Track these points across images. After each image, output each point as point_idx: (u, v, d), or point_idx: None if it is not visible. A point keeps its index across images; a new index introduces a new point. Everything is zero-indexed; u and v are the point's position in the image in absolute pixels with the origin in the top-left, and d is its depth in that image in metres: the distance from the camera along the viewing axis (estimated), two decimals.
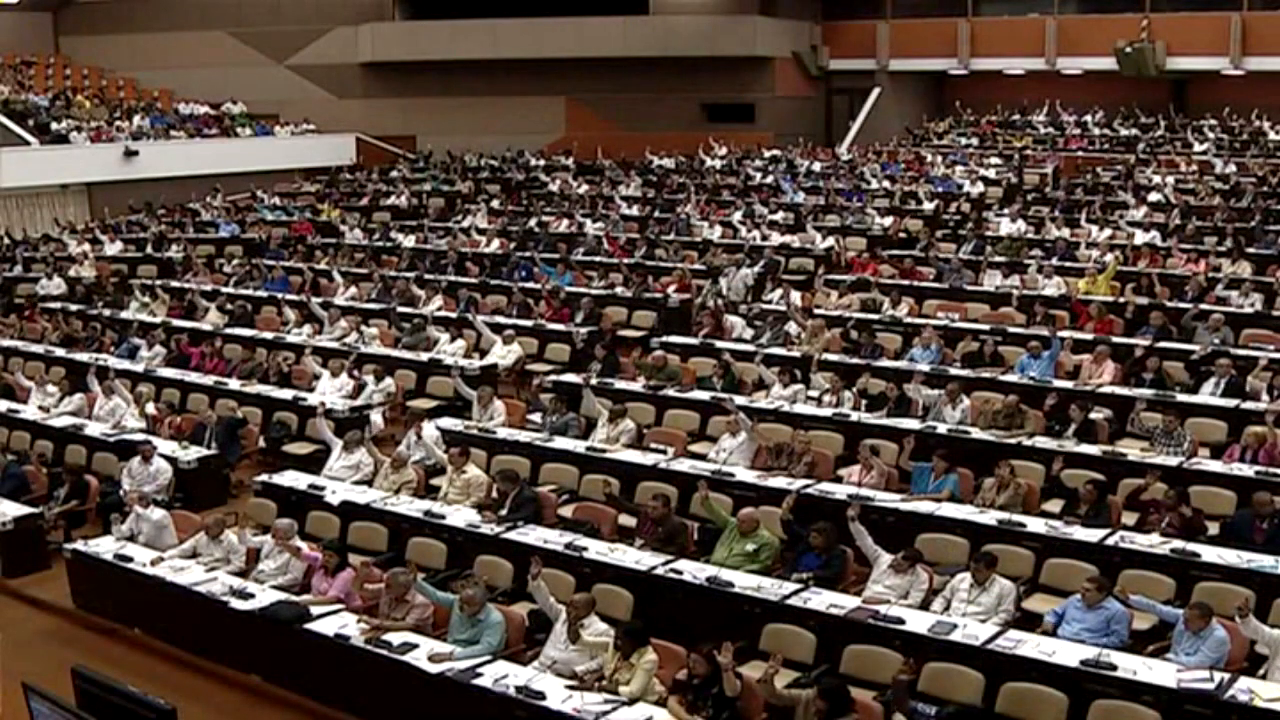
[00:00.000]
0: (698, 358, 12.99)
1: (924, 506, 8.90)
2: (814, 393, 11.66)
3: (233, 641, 8.00)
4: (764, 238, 18.48)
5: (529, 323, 14.66)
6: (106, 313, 16.69)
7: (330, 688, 7.51)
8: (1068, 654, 6.71)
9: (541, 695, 6.61)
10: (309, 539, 8.97)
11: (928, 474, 9.31)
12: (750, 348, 13.26)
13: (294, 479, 10.14)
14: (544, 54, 27.55)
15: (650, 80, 27.55)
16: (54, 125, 25.23)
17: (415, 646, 7.21)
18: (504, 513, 9.10)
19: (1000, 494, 8.93)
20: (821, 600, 7.51)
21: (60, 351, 14.86)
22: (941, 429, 10.46)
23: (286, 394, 12.54)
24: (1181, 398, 10.87)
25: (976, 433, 10.35)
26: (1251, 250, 15.87)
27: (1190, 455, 9.65)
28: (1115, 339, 12.46)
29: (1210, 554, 7.84)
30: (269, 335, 14.96)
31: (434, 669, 6.99)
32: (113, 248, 21.01)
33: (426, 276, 17.17)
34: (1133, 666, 6.54)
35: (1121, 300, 14.01)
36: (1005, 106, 27.82)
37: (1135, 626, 7.28)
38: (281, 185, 26.39)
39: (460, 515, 9.15)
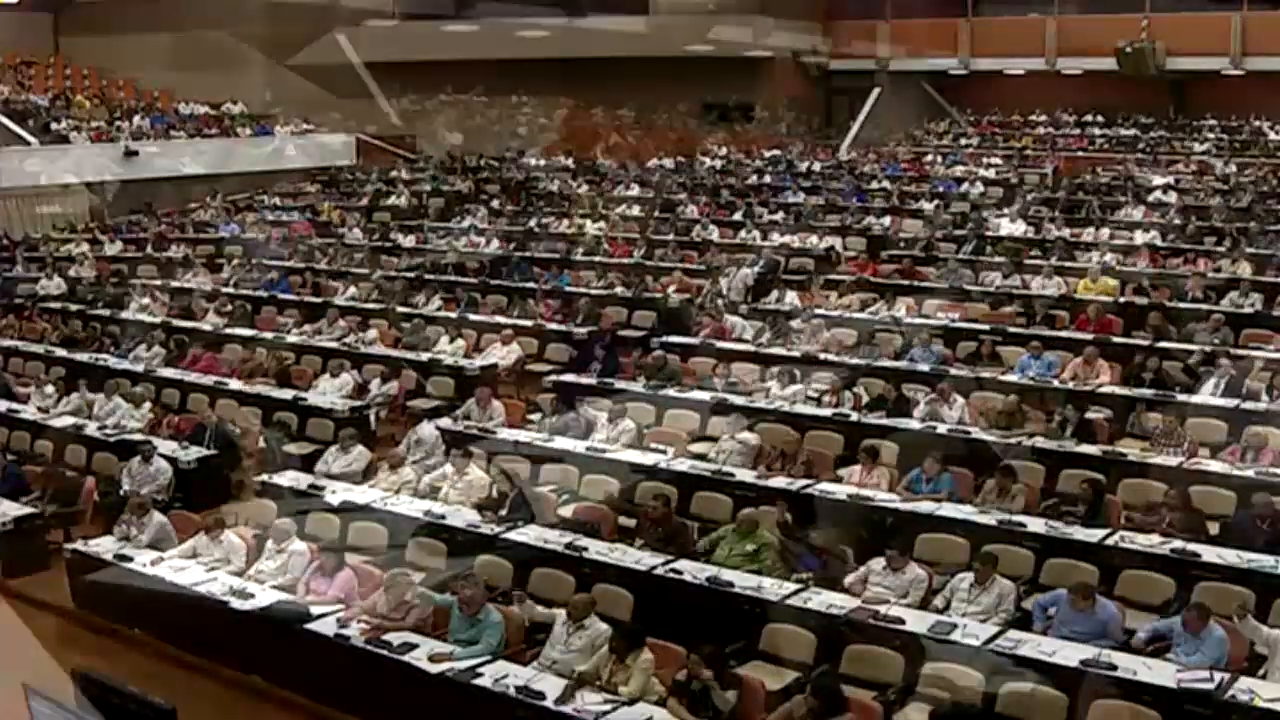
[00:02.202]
0: (698, 358, 12.99)
1: (924, 506, 8.89)
2: (814, 393, 11.65)
3: (233, 641, 7.99)
4: (764, 238, 18.48)
5: (529, 323, 14.66)
6: (106, 313, 16.69)
7: (330, 688, 7.50)
8: (1068, 654, 6.71)
9: (541, 695, 6.61)
10: (309, 539, 8.95)
11: (920, 478, 9.27)
12: (750, 348, 13.25)
13: (294, 479, 10.13)
14: (544, 54, 27.51)
15: (650, 80, 27.53)
16: (54, 125, 25.22)
17: (415, 646, 7.21)
18: (503, 513, 9.10)
19: (1000, 498, 8.91)
20: (821, 600, 7.51)
21: (60, 352, 14.84)
22: (941, 429, 10.46)
23: (287, 394, 12.54)
24: (1181, 398, 10.87)
25: (977, 432, 10.34)
26: (1251, 250, 15.88)
27: (1190, 455, 9.64)
28: (1115, 339, 12.47)
29: (1210, 554, 7.84)
30: (269, 335, 14.96)
31: (434, 669, 6.99)
32: (113, 248, 21.00)
33: (426, 276, 17.16)
34: (1133, 666, 6.55)
35: (1121, 300, 14.01)
36: (1005, 107, 27.79)
37: (1134, 626, 7.27)
38: (281, 185, 26.35)
39: (460, 515, 9.14)
